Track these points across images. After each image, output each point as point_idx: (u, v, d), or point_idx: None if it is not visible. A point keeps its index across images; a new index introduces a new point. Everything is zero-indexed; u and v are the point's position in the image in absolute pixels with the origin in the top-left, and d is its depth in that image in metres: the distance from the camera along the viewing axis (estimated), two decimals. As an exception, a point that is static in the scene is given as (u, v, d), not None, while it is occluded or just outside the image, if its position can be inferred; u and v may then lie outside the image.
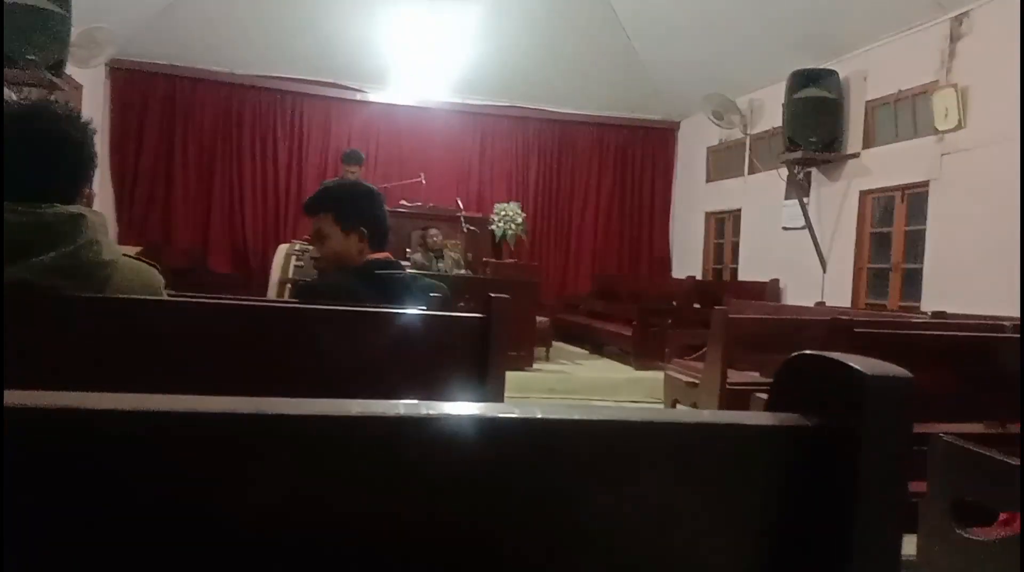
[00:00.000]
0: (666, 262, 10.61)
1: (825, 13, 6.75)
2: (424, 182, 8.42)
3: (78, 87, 7.34)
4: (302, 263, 6.34)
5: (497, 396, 1.47)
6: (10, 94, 5.52)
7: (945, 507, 1.56)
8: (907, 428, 0.48)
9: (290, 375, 1.46)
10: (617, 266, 10.43)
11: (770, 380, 0.55)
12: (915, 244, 6.35)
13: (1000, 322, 3.62)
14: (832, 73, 7.05)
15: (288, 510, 0.44)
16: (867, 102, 6.91)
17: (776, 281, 7.93)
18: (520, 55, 8.95)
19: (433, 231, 7.58)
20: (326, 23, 8.45)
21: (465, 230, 8.13)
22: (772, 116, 7.96)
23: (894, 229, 6.68)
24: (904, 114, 6.54)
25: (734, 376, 3.85)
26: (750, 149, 8.73)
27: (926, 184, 6.13)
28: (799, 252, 7.50)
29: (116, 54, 8.21)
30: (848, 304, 6.74)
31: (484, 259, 8.26)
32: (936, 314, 4.36)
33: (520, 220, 8.95)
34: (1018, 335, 2.78)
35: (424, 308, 1.82)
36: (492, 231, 8.82)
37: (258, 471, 0.43)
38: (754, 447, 0.51)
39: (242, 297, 1.72)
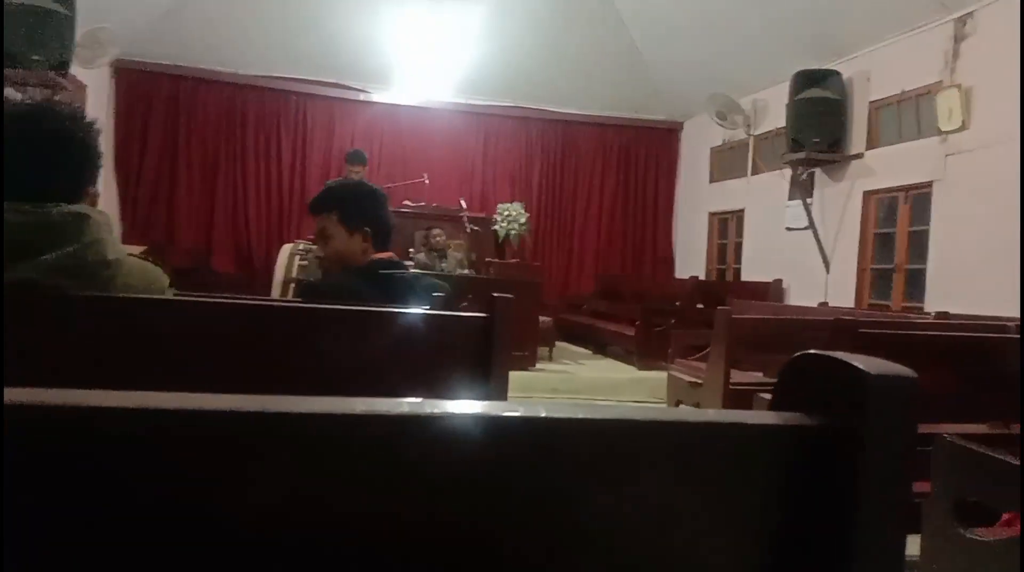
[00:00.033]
0: (669, 262, 10.61)
1: (829, 13, 6.75)
2: (427, 182, 8.43)
3: (82, 87, 7.36)
4: (306, 263, 6.34)
5: (500, 396, 1.47)
6: (15, 94, 5.53)
7: (949, 507, 1.55)
8: (911, 427, 0.48)
9: (293, 375, 1.46)
10: (620, 266, 10.43)
11: (773, 380, 0.55)
12: (919, 245, 6.34)
13: (1004, 323, 3.61)
14: (836, 74, 7.05)
15: (291, 509, 0.44)
16: (871, 102, 6.90)
17: (779, 281, 7.92)
18: (524, 55, 8.95)
19: (436, 231, 7.59)
20: (330, 23, 8.46)
21: (468, 230, 8.13)
22: (776, 116, 7.95)
23: (898, 230, 6.67)
24: (908, 115, 6.53)
25: (737, 376, 3.85)
26: (753, 149, 8.73)
27: (930, 185, 6.12)
28: (802, 252, 7.50)
29: (120, 54, 8.23)
30: (852, 305, 6.73)
31: (487, 259, 8.26)
32: (940, 315, 4.34)
33: (523, 220, 8.95)
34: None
35: (427, 308, 1.82)
36: (495, 231, 8.82)
37: (260, 470, 0.43)
38: (758, 446, 0.51)
39: (244, 296, 1.72)
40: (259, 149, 9.39)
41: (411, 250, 7.53)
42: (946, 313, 4.35)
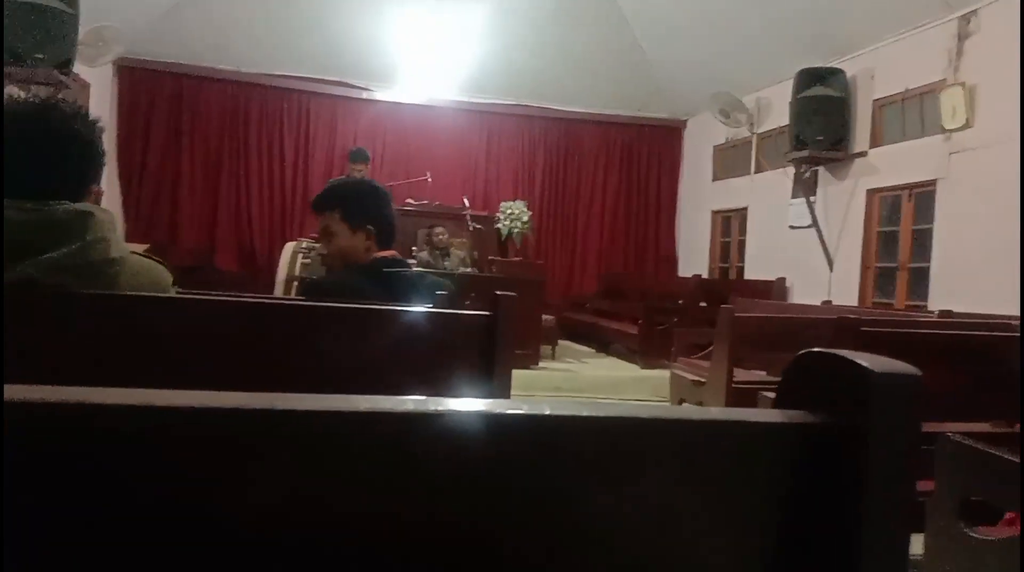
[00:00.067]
0: (672, 261, 10.60)
1: (832, 11, 6.74)
2: (430, 180, 8.43)
3: (86, 85, 7.36)
4: (309, 261, 6.35)
5: (503, 394, 1.47)
6: (19, 92, 5.54)
7: (953, 506, 1.55)
8: (915, 425, 0.48)
9: (295, 374, 1.45)
10: (623, 264, 10.43)
11: (776, 379, 0.55)
12: (922, 243, 6.33)
13: (1008, 321, 3.60)
14: (839, 72, 7.04)
15: (293, 508, 0.44)
16: (874, 101, 6.89)
17: (783, 280, 7.91)
18: (527, 54, 8.95)
19: (439, 229, 7.59)
20: (333, 22, 8.46)
21: (471, 228, 8.13)
22: (779, 115, 7.94)
23: (901, 228, 6.66)
24: (911, 113, 6.52)
25: (740, 375, 3.85)
26: (757, 148, 8.72)
27: (933, 183, 6.11)
28: (806, 251, 7.49)
29: (124, 53, 8.24)
30: (855, 303, 6.72)
31: (490, 257, 8.26)
32: (943, 313, 4.34)
33: (526, 218, 8.95)
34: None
35: (431, 306, 1.82)
36: (498, 229, 8.83)
37: (264, 469, 0.43)
38: (761, 444, 0.51)
39: (245, 294, 1.71)
40: (262, 147, 9.39)
41: (414, 248, 7.53)
42: (950, 311, 4.35)
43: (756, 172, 8.75)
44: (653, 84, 9.58)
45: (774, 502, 0.51)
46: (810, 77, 7.05)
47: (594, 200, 10.43)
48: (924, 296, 6.15)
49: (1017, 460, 1.40)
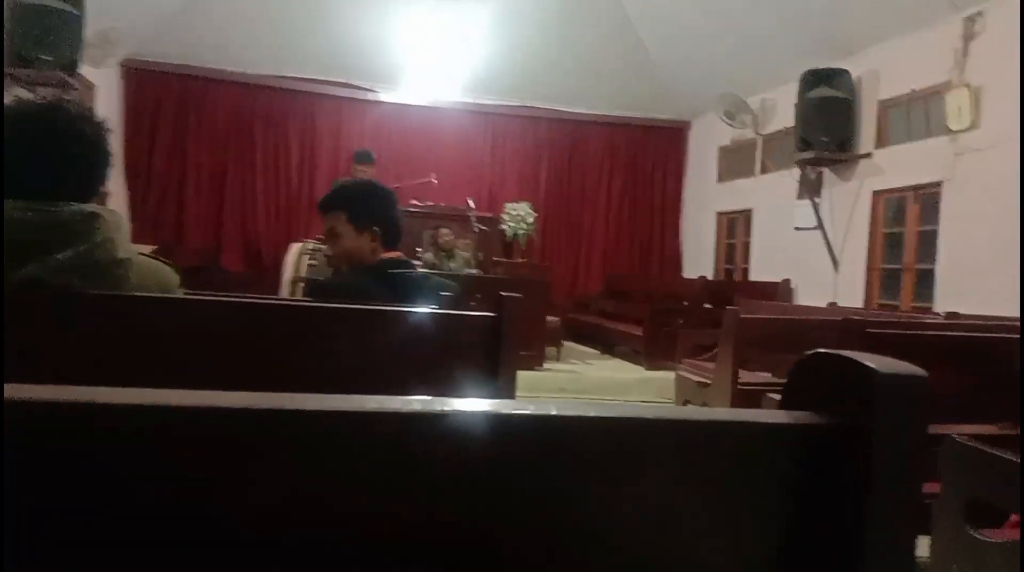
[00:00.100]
0: (677, 262, 10.59)
1: (837, 12, 6.73)
2: (435, 182, 8.43)
3: (91, 87, 7.39)
4: (315, 262, 6.36)
5: (509, 395, 1.47)
6: (26, 93, 5.56)
7: (958, 508, 1.55)
8: (920, 425, 0.48)
9: (300, 374, 1.45)
10: (628, 266, 10.42)
11: (781, 381, 0.55)
12: (928, 244, 6.32)
13: (1014, 323, 3.59)
14: (844, 73, 7.02)
15: (303, 507, 0.44)
16: (879, 102, 6.87)
17: (788, 281, 7.90)
18: (531, 55, 8.95)
19: (444, 231, 7.60)
20: (338, 23, 8.47)
21: (476, 230, 8.14)
22: (784, 116, 7.93)
23: (907, 229, 6.64)
24: (917, 114, 6.50)
25: (745, 376, 3.84)
26: (762, 149, 8.70)
27: (939, 184, 6.09)
28: (811, 252, 7.48)
29: (129, 54, 8.28)
30: (860, 305, 6.71)
31: (495, 259, 8.27)
32: (949, 315, 4.33)
33: (531, 220, 8.96)
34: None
35: (436, 307, 1.82)
36: (503, 231, 8.83)
37: (268, 468, 0.43)
38: (767, 445, 0.51)
39: (248, 295, 1.71)
40: (267, 148, 9.41)
41: (419, 249, 7.54)
42: (956, 313, 4.34)
43: (761, 173, 8.73)
44: (658, 85, 9.58)
45: (780, 502, 0.51)
46: (815, 78, 7.04)
47: (599, 201, 10.42)
48: (930, 298, 6.13)
49: (1021, 461, 1.40)
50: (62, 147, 1.48)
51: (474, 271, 7.49)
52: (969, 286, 5.56)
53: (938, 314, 4.93)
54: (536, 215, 9.10)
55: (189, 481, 0.42)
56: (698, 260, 10.10)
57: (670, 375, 5.33)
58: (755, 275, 8.71)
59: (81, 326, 1.33)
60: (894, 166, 6.65)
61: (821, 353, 0.52)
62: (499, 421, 0.46)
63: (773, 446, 0.51)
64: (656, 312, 7.48)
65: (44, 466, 0.39)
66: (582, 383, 6.65)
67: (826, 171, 7.40)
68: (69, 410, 0.40)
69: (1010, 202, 5.19)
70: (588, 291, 10.10)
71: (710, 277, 9.21)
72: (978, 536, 1.52)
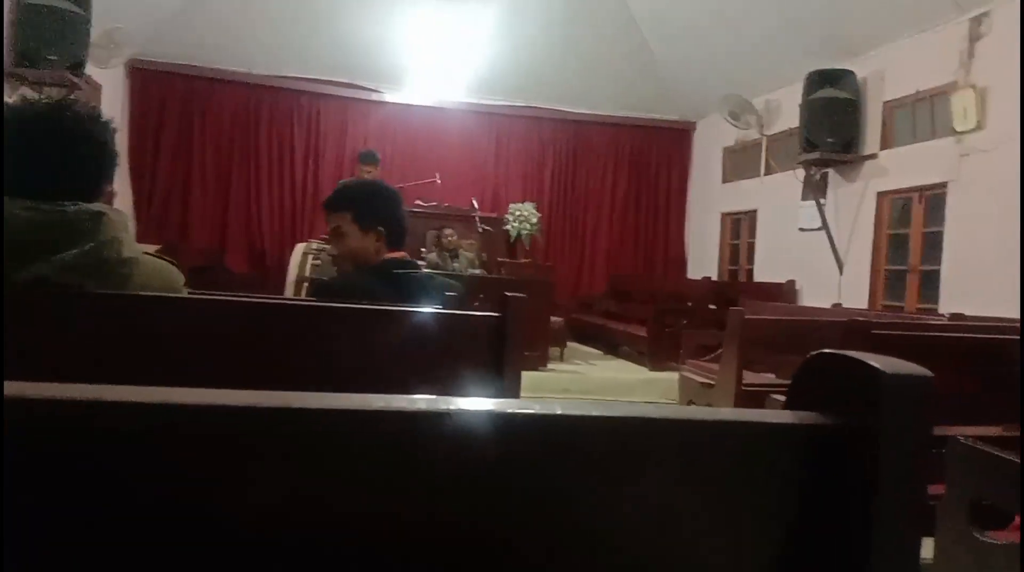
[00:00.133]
0: (681, 263, 10.58)
1: (842, 13, 6.71)
2: (439, 182, 8.43)
3: (97, 87, 7.40)
4: (319, 262, 6.37)
5: (513, 395, 1.47)
6: (32, 94, 5.58)
7: (963, 509, 1.55)
8: (925, 426, 0.48)
9: (302, 374, 1.45)
10: (632, 266, 10.41)
11: (786, 382, 0.55)
12: (933, 246, 6.30)
13: (1019, 324, 3.58)
14: (849, 73, 7.01)
15: (309, 506, 0.44)
16: (885, 103, 6.86)
17: (792, 282, 7.89)
18: (536, 55, 8.95)
19: (448, 231, 7.60)
20: (342, 23, 8.48)
21: (480, 230, 8.14)
22: (789, 116, 7.91)
23: (912, 230, 6.63)
24: (922, 115, 6.49)
25: (749, 377, 3.84)
26: (766, 150, 8.69)
27: (944, 185, 6.08)
28: (815, 253, 7.46)
29: (135, 54, 8.29)
30: (865, 306, 6.69)
31: (499, 259, 8.27)
32: (954, 316, 4.32)
33: (535, 220, 8.95)
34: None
35: (440, 307, 1.82)
36: (507, 231, 8.83)
37: (271, 467, 0.43)
38: (772, 445, 0.51)
39: (251, 295, 1.71)
40: (272, 148, 9.42)
41: (423, 250, 7.54)
42: (961, 314, 4.33)
43: (766, 174, 8.72)
44: (662, 86, 9.57)
45: (785, 502, 0.51)
46: (820, 79, 7.02)
47: (603, 202, 10.41)
48: (935, 299, 6.12)
49: (1028, 463, 1.39)
50: (69, 147, 1.48)
51: (478, 271, 7.49)
52: (974, 287, 5.54)
53: (943, 315, 4.92)
54: (540, 215, 9.09)
55: (190, 480, 0.42)
56: (702, 261, 10.09)
57: (674, 376, 5.33)
58: (759, 276, 8.70)
59: (81, 325, 1.33)
60: (899, 167, 6.63)
61: (826, 353, 0.52)
62: (504, 420, 0.46)
63: (778, 446, 0.51)
64: (660, 313, 7.47)
65: (44, 465, 0.39)
66: (586, 384, 6.65)
67: (831, 172, 7.38)
68: (69, 409, 0.39)
69: (1016, 203, 5.18)
70: (592, 292, 10.09)
71: (714, 278, 9.20)
72: (982, 538, 1.52)
